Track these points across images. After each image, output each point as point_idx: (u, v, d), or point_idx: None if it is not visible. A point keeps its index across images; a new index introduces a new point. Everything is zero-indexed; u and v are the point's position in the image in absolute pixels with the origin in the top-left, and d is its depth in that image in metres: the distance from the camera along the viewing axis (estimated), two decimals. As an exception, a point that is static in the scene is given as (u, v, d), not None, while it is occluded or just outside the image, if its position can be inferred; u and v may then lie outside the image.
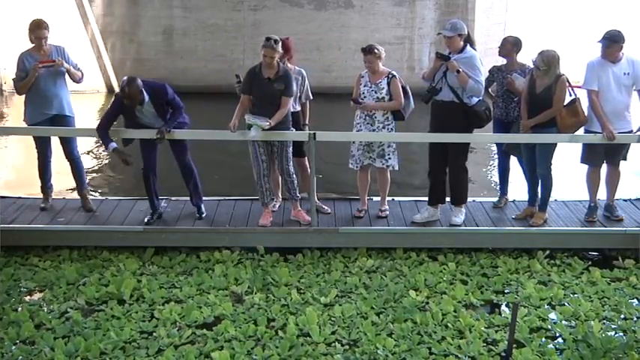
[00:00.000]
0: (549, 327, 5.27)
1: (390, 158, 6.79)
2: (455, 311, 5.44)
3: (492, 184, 9.89)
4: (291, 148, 6.65)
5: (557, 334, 5.18)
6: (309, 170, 6.87)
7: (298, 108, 6.87)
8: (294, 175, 6.73)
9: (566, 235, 6.65)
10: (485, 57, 7.26)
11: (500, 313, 5.51)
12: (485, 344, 4.99)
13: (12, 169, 10.88)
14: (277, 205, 7.14)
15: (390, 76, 6.67)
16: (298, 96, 6.82)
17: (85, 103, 14.43)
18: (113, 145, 6.37)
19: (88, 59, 16.57)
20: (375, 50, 6.59)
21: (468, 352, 4.86)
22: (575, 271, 6.27)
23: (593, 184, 6.85)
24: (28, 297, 5.75)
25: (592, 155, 6.76)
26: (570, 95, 6.47)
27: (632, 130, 6.59)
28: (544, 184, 6.69)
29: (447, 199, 6.87)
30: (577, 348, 4.93)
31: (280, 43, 6.36)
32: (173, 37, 17.56)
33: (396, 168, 6.87)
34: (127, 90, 6.15)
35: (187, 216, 6.94)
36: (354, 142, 6.88)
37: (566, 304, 5.62)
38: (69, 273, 6.02)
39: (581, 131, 6.61)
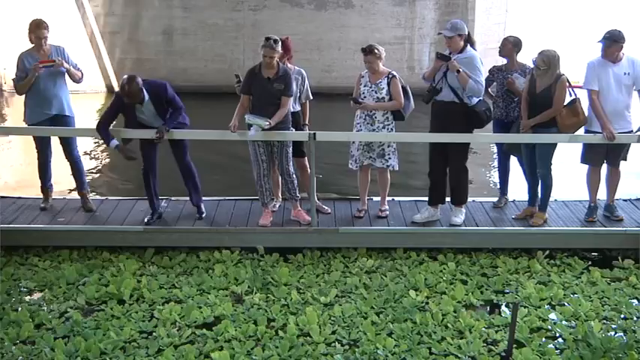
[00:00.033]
0: (549, 327, 5.26)
1: (390, 158, 6.78)
2: (455, 311, 5.44)
3: (492, 185, 9.88)
4: (291, 149, 6.64)
5: (558, 334, 5.18)
6: (309, 170, 6.87)
7: (298, 108, 6.87)
8: (294, 175, 6.73)
9: (566, 235, 6.65)
10: (486, 57, 7.25)
11: (500, 313, 5.51)
12: (485, 344, 4.99)
13: (12, 169, 10.87)
14: (277, 205, 7.14)
15: (390, 76, 6.66)
16: (298, 96, 6.82)
17: (85, 103, 14.42)
18: (114, 142, 6.36)
19: (88, 59, 16.59)
20: (375, 50, 6.59)
21: (468, 352, 4.86)
22: (575, 271, 6.27)
23: (593, 184, 6.85)
24: (28, 297, 5.75)
25: (592, 155, 6.75)
26: (570, 95, 6.47)
27: (632, 130, 6.59)
28: (544, 184, 6.69)
29: (447, 199, 6.87)
30: (577, 348, 4.92)
31: (280, 43, 6.36)
32: (173, 37, 17.56)
33: (396, 168, 6.87)
34: (127, 88, 6.14)
35: (187, 216, 6.93)
36: (353, 142, 6.88)
37: (566, 304, 5.62)
38: (69, 273, 6.02)
39: (581, 131, 6.61)
